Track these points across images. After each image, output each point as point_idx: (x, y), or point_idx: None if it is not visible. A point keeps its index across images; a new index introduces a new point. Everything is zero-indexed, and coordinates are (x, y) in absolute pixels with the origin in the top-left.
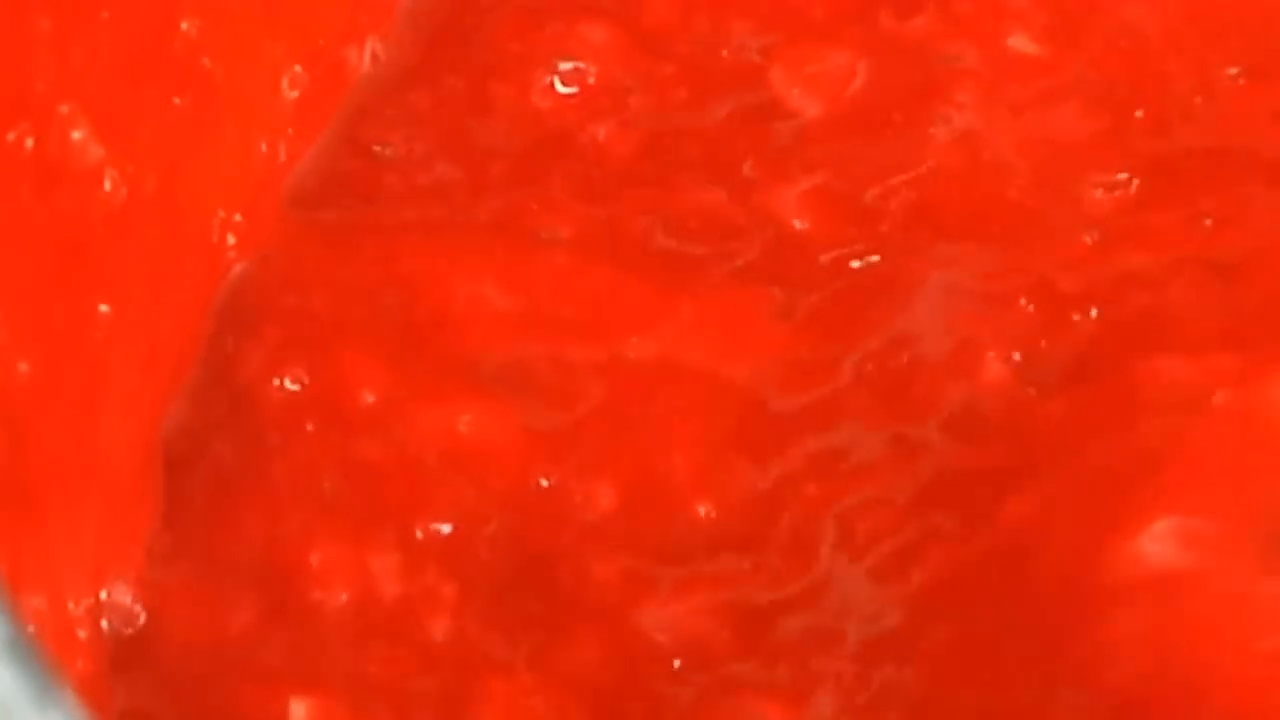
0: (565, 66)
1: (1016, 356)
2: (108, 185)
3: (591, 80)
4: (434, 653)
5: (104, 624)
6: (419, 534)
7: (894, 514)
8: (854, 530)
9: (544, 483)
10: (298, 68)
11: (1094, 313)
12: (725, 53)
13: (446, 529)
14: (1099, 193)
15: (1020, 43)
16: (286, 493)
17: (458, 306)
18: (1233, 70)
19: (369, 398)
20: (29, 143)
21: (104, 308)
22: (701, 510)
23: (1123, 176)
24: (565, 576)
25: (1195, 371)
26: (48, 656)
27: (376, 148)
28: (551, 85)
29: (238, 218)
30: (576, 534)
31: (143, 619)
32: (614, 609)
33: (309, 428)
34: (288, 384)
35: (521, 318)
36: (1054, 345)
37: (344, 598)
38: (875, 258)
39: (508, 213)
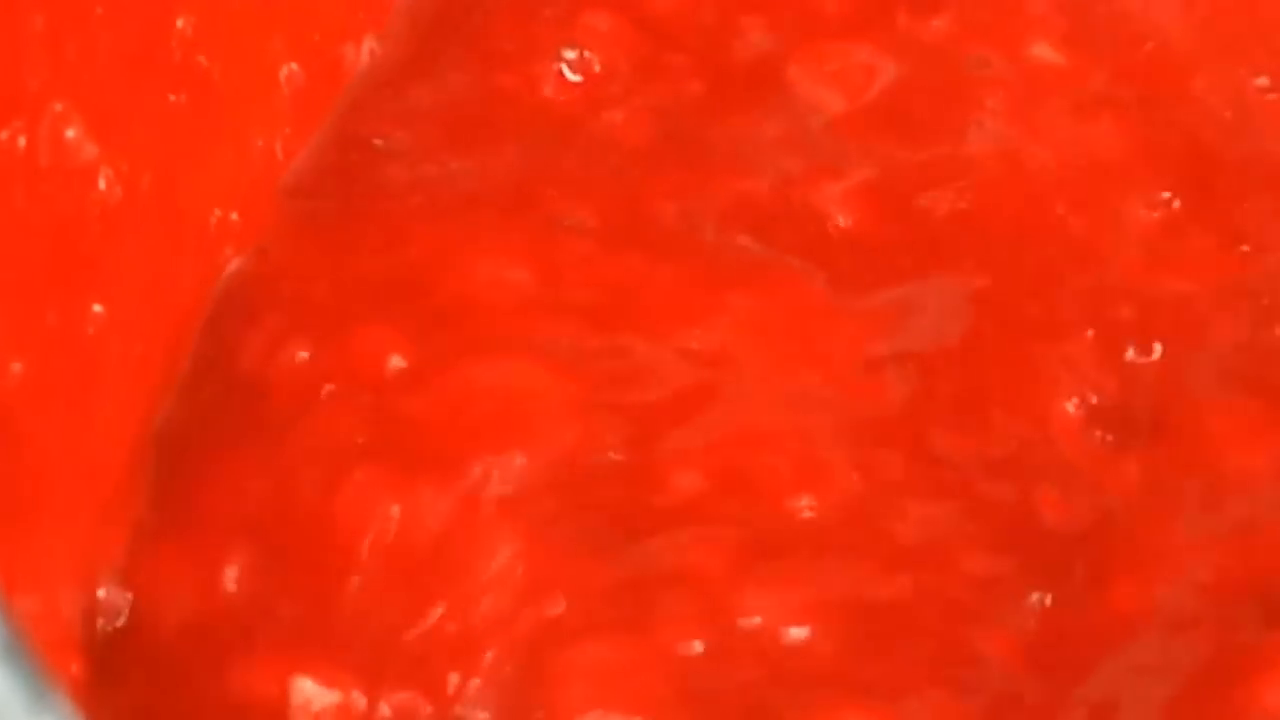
0: (570, 55)
1: (1094, 399)
2: (102, 184)
3: (598, 69)
4: (497, 618)
5: (97, 624)
6: (469, 483)
7: (988, 559)
8: (950, 553)
9: (614, 456)
10: (294, 64)
11: (1157, 349)
12: (737, 46)
13: (504, 484)
14: (1142, 211)
15: (1044, 51)
16: (304, 451)
17: (478, 289)
18: (1261, 80)
19: (397, 360)
20: (22, 141)
21: (98, 307)
22: (800, 505)
23: (1165, 195)
24: (652, 551)
25: (1266, 460)
26: (41, 659)
27: (377, 141)
28: (557, 75)
29: (234, 216)
30: (662, 513)
31: (132, 609)
32: (709, 591)
33: (327, 389)
34: (298, 356)
35: (552, 303)
36: (1123, 388)
37: (372, 542)
38: (926, 262)
39: (523, 197)
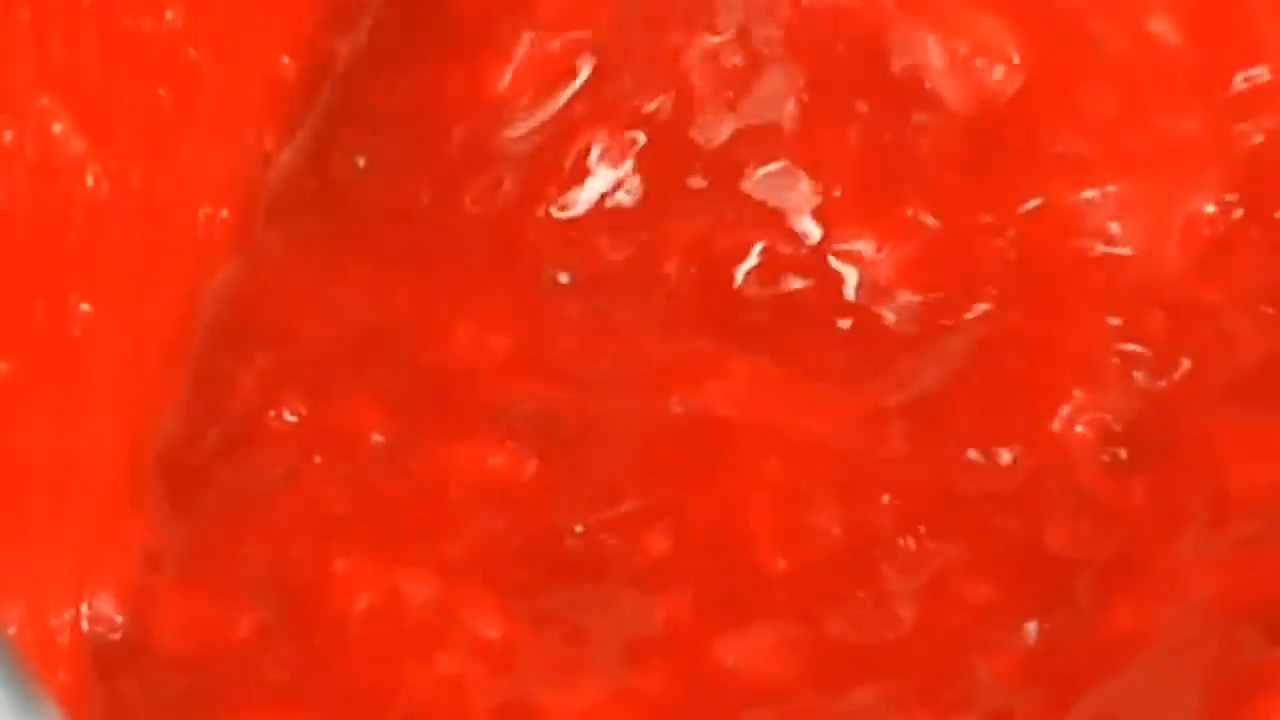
0: (552, 49)
1: (1108, 419)
2: (89, 179)
3: (592, 79)
4: (479, 679)
5: (87, 632)
6: (450, 554)
7: (989, 586)
8: (947, 584)
9: (580, 528)
10: (285, 59)
11: (1185, 364)
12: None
13: (481, 553)
14: (1200, 216)
15: (1162, 28)
16: (296, 516)
17: (458, 355)
18: None
19: (376, 437)
20: (8, 136)
21: (85, 306)
22: (775, 559)
23: (1230, 198)
24: (624, 610)
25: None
26: (30, 664)
27: (358, 159)
28: (545, 85)
29: (224, 213)
30: (633, 575)
31: (130, 629)
32: (685, 641)
33: (317, 460)
34: (287, 415)
35: (534, 370)
36: (1139, 406)
37: (361, 610)
38: (958, 308)
39: (504, 243)
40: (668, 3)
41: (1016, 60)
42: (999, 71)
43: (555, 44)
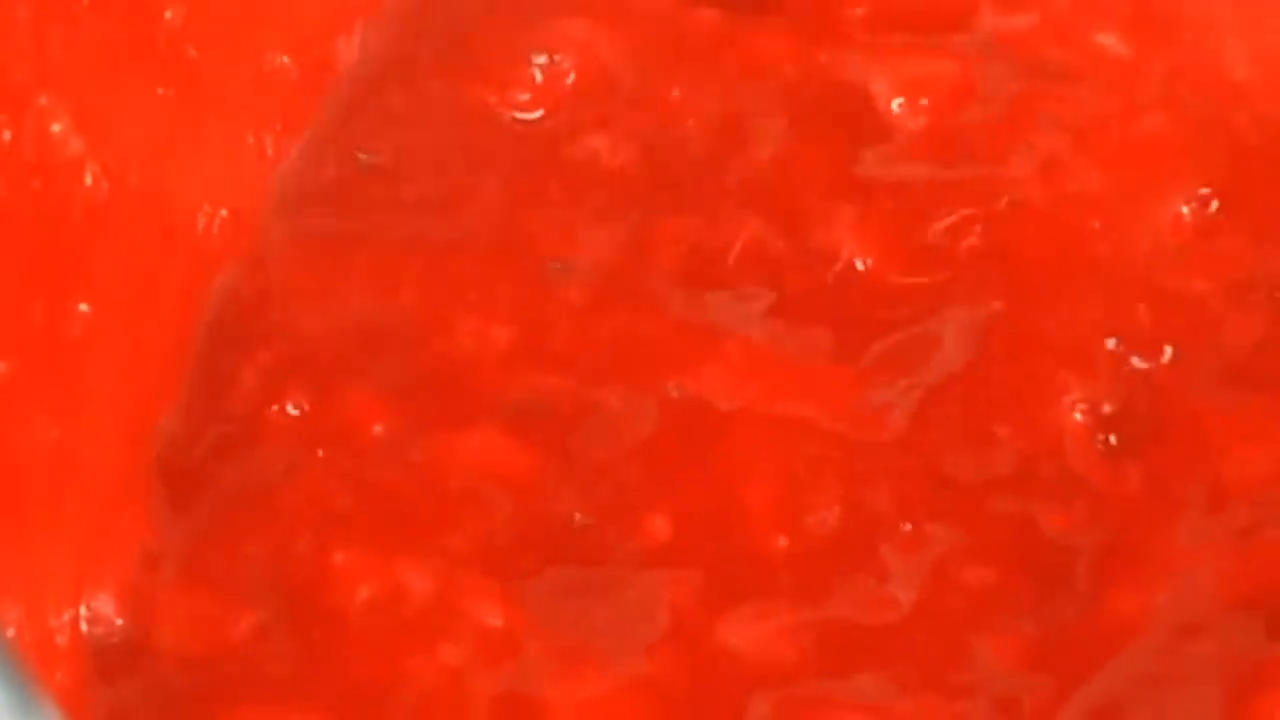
0: (560, 66)
1: (1101, 405)
2: (88, 179)
3: (588, 85)
4: (482, 668)
5: (86, 633)
6: (451, 544)
7: (988, 571)
8: (947, 569)
9: (581, 515)
10: (285, 58)
11: (1169, 352)
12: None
13: (482, 543)
14: (1178, 210)
15: (1109, 41)
16: (297, 512)
17: (462, 348)
18: None
19: (378, 429)
20: (6, 135)
21: (84, 306)
22: (777, 540)
23: (1204, 191)
24: (626, 594)
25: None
26: (29, 666)
27: (362, 155)
28: (544, 89)
29: (223, 213)
30: (634, 558)
31: (130, 630)
32: (689, 626)
33: (319, 454)
34: (289, 409)
35: (536, 359)
36: (1130, 392)
37: (362, 602)
38: (943, 297)
39: (507, 236)
40: (660, 37)
41: (982, 93)
42: (966, 104)
43: (560, 57)
